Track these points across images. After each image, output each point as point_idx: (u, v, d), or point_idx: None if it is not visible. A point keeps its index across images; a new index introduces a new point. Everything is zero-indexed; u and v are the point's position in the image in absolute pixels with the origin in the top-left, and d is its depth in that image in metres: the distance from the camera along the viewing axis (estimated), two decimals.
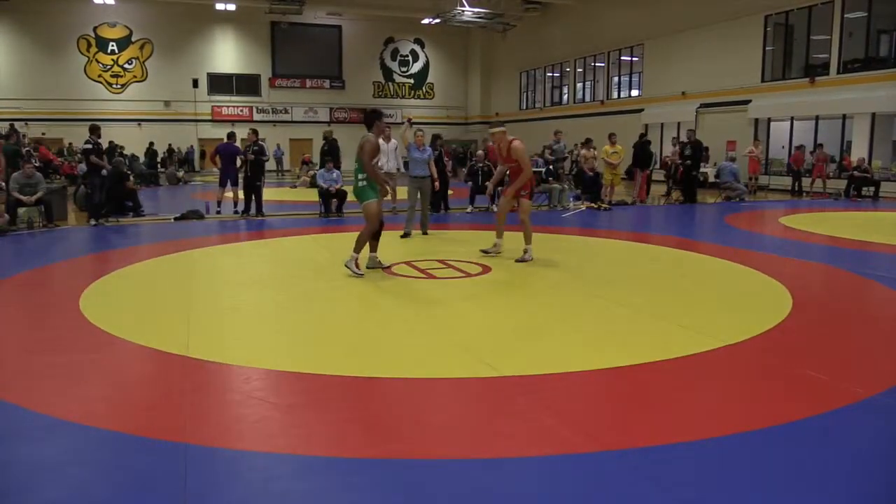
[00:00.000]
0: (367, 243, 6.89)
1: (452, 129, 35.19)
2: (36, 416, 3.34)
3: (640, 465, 2.82)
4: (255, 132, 12.67)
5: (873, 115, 17.70)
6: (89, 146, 11.19)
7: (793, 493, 2.63)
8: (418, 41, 36.49)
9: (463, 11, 28.46)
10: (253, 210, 12.40)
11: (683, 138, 16.95)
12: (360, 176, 6.70)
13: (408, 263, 7.40)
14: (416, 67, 36.96)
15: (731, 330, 4.80)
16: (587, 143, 15.66)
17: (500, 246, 7.77)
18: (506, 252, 8.13)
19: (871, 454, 3.00)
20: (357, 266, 6.67)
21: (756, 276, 6.88)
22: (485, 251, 7.78)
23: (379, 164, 12.81)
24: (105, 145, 14.52)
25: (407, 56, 36.64)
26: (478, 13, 29.02)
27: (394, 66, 36.50)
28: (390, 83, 36.51)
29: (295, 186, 21.32)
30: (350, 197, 13.03)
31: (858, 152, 17.57)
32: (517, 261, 7.37)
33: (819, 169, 17.20)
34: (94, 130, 11.41)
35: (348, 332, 4.95)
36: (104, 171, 11.19)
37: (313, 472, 2.83)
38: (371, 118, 6.85)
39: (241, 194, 12.66)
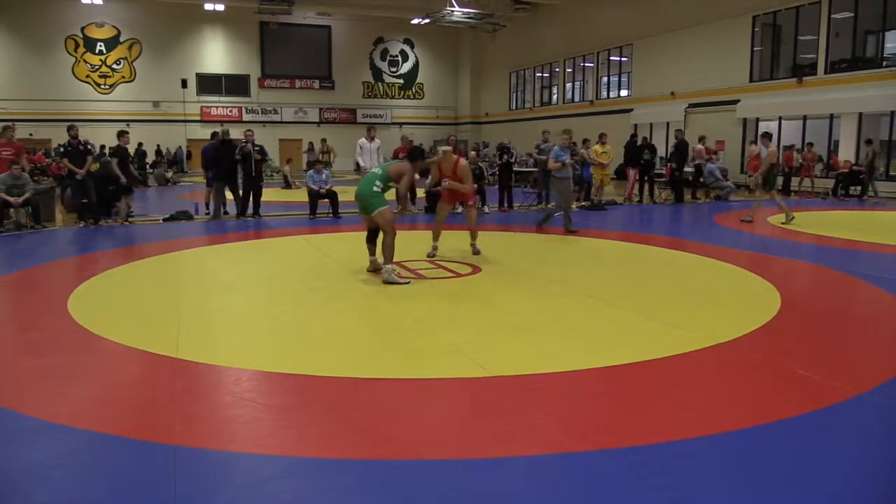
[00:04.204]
0: (369, 245, 6.92)
1: (442, 129, 35.16)
2: (24, 419, 3.31)
3: (630, 464, 2.83)
4: (251, 131, 12.67)
5: (860, 114, 17.86)
6: (62, 150, 11.24)
7: (783, 492, 2.64)
8: (408, 41, 36.43)
9: (452, 11, 28.44)
10: (250, 210, 12.35)
11: (671, 139, 17.18)
12: (376, 183, 6.62)
13: (398, 264, 7.39)
14: (405, 67, 36.90)
15: (721, 329, 4.82)
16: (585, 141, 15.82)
17: (437, 247, 7.97)
18: (492, 254, 8.16)
19: (861, 452, 3.02)
20: (399, 276, 6.58)
21: (745, 276, 6.93)
22: (431, 255, 7.86)
23: (361, 162, 12.96)
24: (97, 147, 14.50)
25: (396, 56, 36.58)
26: (467, 13, 29.01)
27: (383, 66, 36.43)
28: (380, 83, 36.44)
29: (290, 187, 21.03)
30: (342, 198, 13.08)
31: (846, 152, 17.73)
32: (474, 254, 7.92)
33: (807, 168, 17.34)
34: (70, 130, 11.36)
35: (339, 332, 4.94)
36: (77, 176, 11.11)
37: (304, 473, 2.82)
38: (414, 155, 7.05)
39: (228, 195, 12.59)
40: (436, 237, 8.06)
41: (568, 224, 10.07)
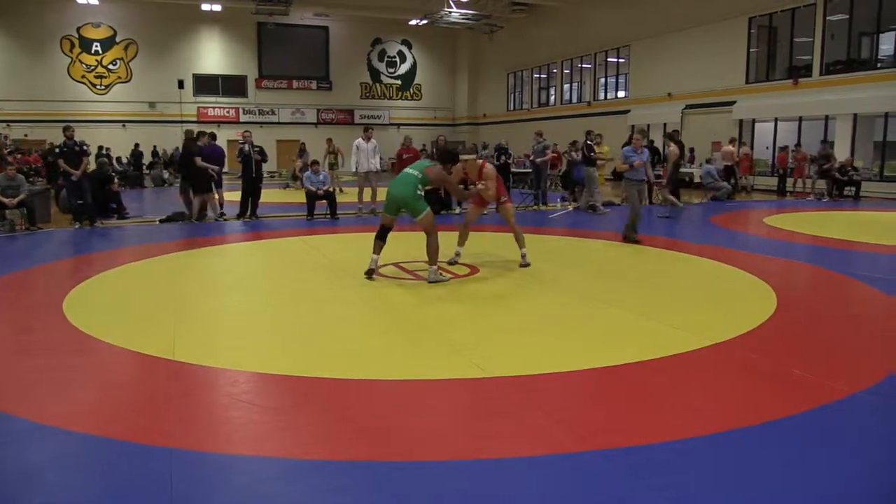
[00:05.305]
0: (378, 242, 6.92)
1: (440, 130, 35.15)
2: (19, 422, 3.30)
3: (629, 464, 2.83)
4: (248, 132, 12.69)
5: (855, 115, 17.92)
6: (56, 150, 11.34)
7: (780, 491, 2.65)
8: (406, 42, 36.43)
9: (450, 12, 28.45)
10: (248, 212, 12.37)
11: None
12: (419, 187, 6.61)
13: (396, 265, 7.39)
14: (403, 68, 36.89)
15: (718, 329, 4.83)
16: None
17: (460, 254, 7.62)
18: (490, 255, 8.16)
19: (857, 451, 3.03)
20: (440, 273, 6.72)
21: (741, 276, 6.94)
22: (449, 262, 7.48)
23: (358, 162, 12.92)
24: (93, 148, 14.56)
25: (394, 57, 36.57)
26: (465, 14, 29.02)
27: (381, 66, 36.41)
28: (378, 84, 36.42)
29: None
30: (340, 198, 13.07)
31: (841, 153, 17.78)
32: (521, 266, 7.31)
33: (799, 170, 17.40)
34: (66, 130, 11.37)
35: (337, 334, 4.93)
36: (73, 177, 11.10)
37: (301, 474, 2.82)
38: (446, 158, 7.09)
39: (226, 196, 12.59)
40: (461, 241, 7.63)
41: (632, 231, 9.23)
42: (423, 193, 6.67)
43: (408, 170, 6.86)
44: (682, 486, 2.67)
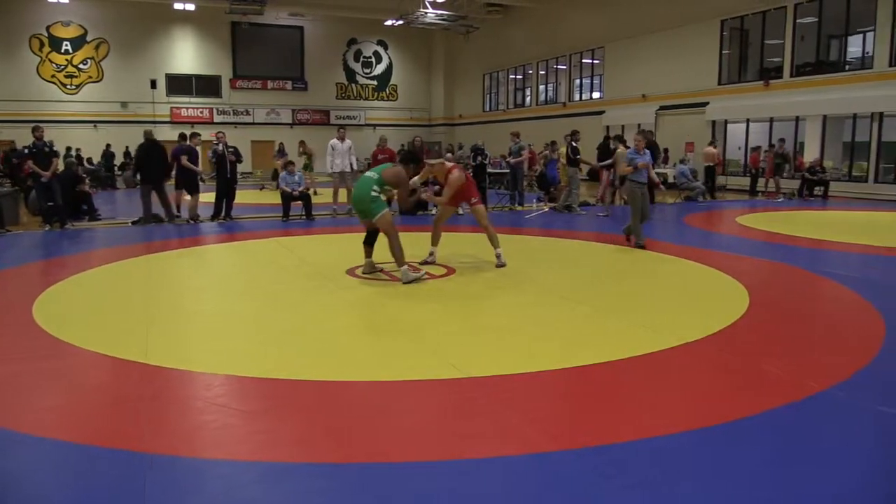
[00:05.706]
0: (366, 247, 6.98)
1: (416, 131, 35.11)
2: None
3: (600, 463, 2.86)
4: (222, 133, 12.56)
5: (824, 117, 18.30)
6: (26, 151, 11.29)
7: (750, 487, 2.69)
8: (381, 42, 36.34)
9: (425, 13, 28.44)
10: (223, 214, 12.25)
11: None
12: (374, 188, 6.61)
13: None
14: (379, 69, 36.80)
15: (690, 328, 4.90)
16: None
17: (435, 255, 7.61)
18: (465, 255, 8.17)
19: (826, 448, 3.09)
20: (415, 270, 6.76)
21: (714, 275, 7.04)
22: (423, 262, 7.47)
23: (333, 162, 12.91)
24: (60, 148, 14.33)
25: (370, 57, 36.46)
26: (440, 15, 29.02)
27: (357, 67, 36.28)
28: (353, 84, 36.28)
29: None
30: (314, 199, 13.01)
31: (811, 153, 18.16)
32: (497, 266, 7.31)
33: (771, 170, 17.71)
34: (35, 131, 11.20)
35: (312, 336, 4.91)
36: (43, 179, 10.91)
37: (279, 477, 2.80)
38: (407, 159, 7.19)
39: (199, 198, 12.46)
40: (434, 242, 7.62)
41: (637, 237, 8.86)
42: (378, 194, 6.66)
43: (368, 172, 6.93)
44: (651, 484, 2.71)
